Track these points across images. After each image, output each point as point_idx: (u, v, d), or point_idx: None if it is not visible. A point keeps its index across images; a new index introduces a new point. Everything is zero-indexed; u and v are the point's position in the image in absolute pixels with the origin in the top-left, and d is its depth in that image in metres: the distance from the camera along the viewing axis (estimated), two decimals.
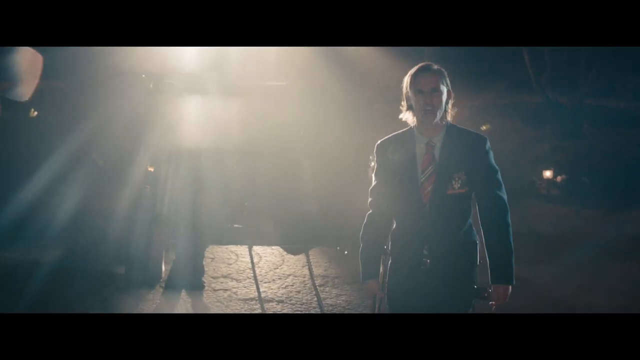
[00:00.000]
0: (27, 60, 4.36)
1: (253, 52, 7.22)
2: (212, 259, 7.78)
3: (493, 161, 3.73)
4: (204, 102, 6.56)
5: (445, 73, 3.73)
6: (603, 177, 12.43)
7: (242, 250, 8.00)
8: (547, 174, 12.65)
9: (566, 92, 16.27)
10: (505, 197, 3.70)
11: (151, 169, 6.48)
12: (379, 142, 3.83)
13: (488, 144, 3.71)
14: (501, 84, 17.38)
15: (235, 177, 6.41)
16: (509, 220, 3.70)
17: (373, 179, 3.88)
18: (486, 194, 3.69)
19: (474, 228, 3.78)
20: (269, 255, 7.95)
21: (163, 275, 6.78)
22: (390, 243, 3.84)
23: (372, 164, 6.67)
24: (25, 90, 4.37)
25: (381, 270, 3.86)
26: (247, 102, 6.89)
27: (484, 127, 13.97)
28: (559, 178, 12.70)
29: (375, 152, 3.85)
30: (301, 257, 7.66)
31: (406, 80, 3.73)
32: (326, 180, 6.59)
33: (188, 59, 6.86)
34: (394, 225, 3.82)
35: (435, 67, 3.71)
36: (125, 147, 6.73)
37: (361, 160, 6.72)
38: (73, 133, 7.95)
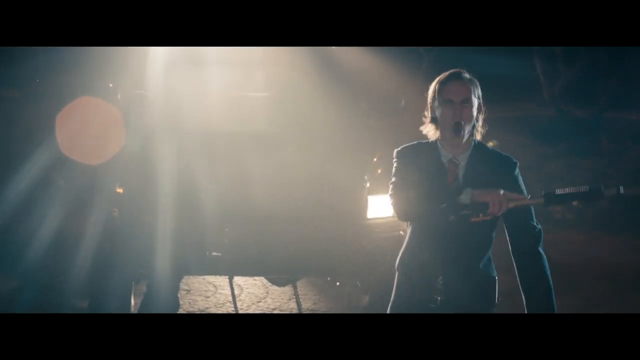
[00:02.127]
0: None
1: (234, 61, 7.32)
2: (188, 291, 7.85)
3: (524, 187, 3.77)
4: (179, 116, 6.65)
5: (478, 84, 3.73)
6: (625, 200, 12.54)
7: (222, 281, 8.06)
8: None
9: (582, 104, 16.43)
10: (540, 226, 3.76)
11: (120, 190, 6.55)
12: (399, 148, 3.82)
13: (518, 169, 3.76)
14: (508, 95, 17.55)
15: (214, 199, 6.48)
16: (542, 251, 3.75)
17: (390, 187, 3.80)
18: (520, 224, 3.73)
19: (492, 262, 3.83)
20: (251, 287, 8.03)
21: (132, 309, 6.84)
22: (400, 259, 3.86)
23: (367, 184, 6.80)
24: None
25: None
26: (227, 115, 6.98)
27: (490, 144, 14.11)
28: (574, 201, 12.81)
29: (396, 156, 3.80)
30: (287, 289, 7.73)
31: (433, 87, 3.74)
32: (316, 203, 6.66)
33: (162, 67, 6.96)
34: (410, 238, 3.81)
35: (468, 75, 3.72)
36: (90, 165, 6.79)
37: (355, 180, 6.81)
38: (29, 148, 8.00)
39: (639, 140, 15.04)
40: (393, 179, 3.80)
